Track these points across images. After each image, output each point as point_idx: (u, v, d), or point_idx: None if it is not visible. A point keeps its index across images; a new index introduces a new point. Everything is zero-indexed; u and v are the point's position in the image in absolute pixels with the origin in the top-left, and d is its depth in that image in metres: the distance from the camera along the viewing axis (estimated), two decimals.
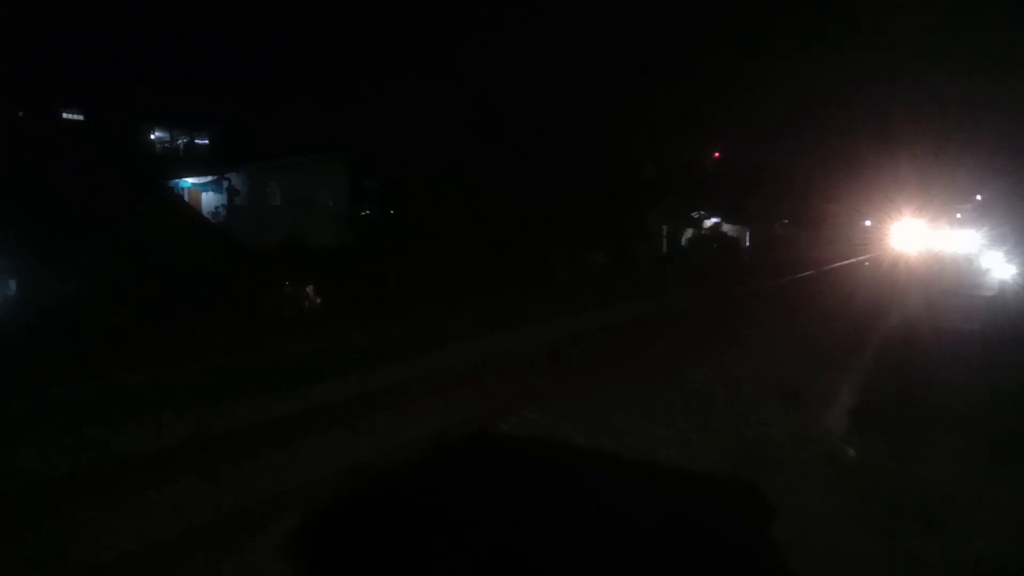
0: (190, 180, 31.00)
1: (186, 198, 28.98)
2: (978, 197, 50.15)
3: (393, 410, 7.86)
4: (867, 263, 38.01)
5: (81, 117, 32.39)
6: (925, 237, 42.14)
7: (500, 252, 24.34)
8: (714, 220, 50.30)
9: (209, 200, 30.90)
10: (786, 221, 59.45)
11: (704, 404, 7.79)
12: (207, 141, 36.47)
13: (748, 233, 53.51)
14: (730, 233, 50.58)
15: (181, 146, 36.36)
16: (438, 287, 20.25)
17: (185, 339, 13.20)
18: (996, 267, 22.67)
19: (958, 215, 53.01)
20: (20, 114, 26.87)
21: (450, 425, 7.23)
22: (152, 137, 35.78)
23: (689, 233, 47.45)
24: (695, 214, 47.89)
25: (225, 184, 30.42)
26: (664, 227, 43.96)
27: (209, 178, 30.92)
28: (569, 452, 6.48)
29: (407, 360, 10.87)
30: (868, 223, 56.43)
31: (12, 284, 15.85)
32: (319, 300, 18.03)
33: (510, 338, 12.95)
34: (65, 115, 31.87)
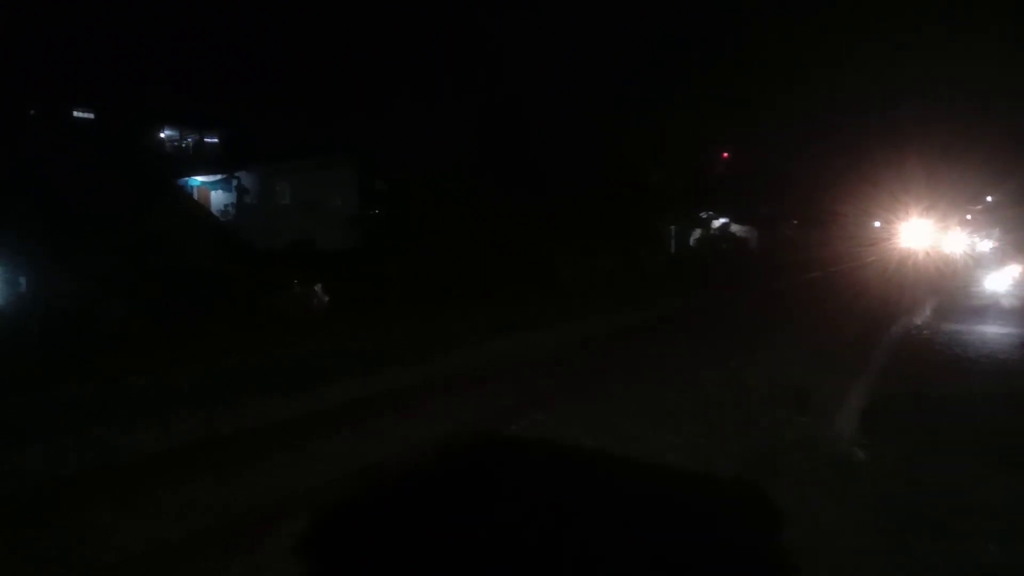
0: (200, 178, 31.19)
1: (195, 196, 29.17)
2: (989, 198, 49.81)
3: (400, 412, 7.85)
4: (875, 263, 37.86)
5: (91, 115, 32.58)
6: (935, 238, 41.83)
7: (502, 252, 24.20)
8: (723, 220, 50.15)
9: (218, 198, 31.09)
10: (795, 222, 59.19)
11: (711, 408, 7.75)
12: (216, 140, 36.65)
13: (757, 234, 53.31)
14: (739, 234, 50.42)
15: (191, 145, 36.58)
16: (440, 288, 20.19)
17: (185, 339, 13.22)
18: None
19: (968, 216, 52.62)
20: (32, 112, 27.02)
21: (459, 426, 7.21)
22: (162, 136, 36.01)
23: (698, 233, 47.30)
24: (704, 214, 47.75)
25: (234, 183, 30.60)
26: (672, 227, 43.82)
27: (219, 176, 31.11)
28: (578, 455, 6.46)
29: (411, 362, 10.83)
30: (877, 224, 56.10)
31: (23, 281, 15.96)
32: (327, 300, 18.09)
33: (514, 340, 12.90)
34: (76, 114, 32.06)
